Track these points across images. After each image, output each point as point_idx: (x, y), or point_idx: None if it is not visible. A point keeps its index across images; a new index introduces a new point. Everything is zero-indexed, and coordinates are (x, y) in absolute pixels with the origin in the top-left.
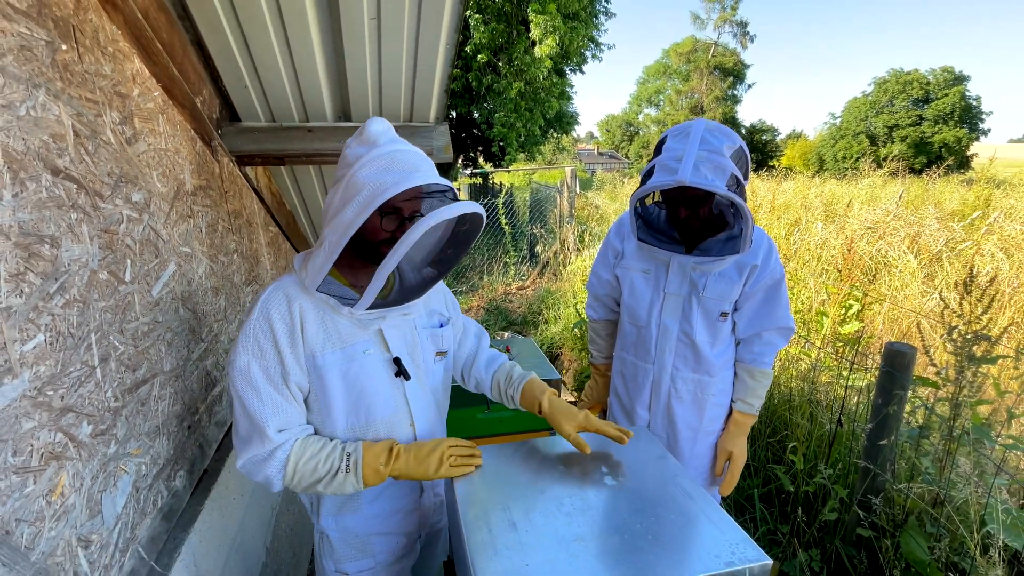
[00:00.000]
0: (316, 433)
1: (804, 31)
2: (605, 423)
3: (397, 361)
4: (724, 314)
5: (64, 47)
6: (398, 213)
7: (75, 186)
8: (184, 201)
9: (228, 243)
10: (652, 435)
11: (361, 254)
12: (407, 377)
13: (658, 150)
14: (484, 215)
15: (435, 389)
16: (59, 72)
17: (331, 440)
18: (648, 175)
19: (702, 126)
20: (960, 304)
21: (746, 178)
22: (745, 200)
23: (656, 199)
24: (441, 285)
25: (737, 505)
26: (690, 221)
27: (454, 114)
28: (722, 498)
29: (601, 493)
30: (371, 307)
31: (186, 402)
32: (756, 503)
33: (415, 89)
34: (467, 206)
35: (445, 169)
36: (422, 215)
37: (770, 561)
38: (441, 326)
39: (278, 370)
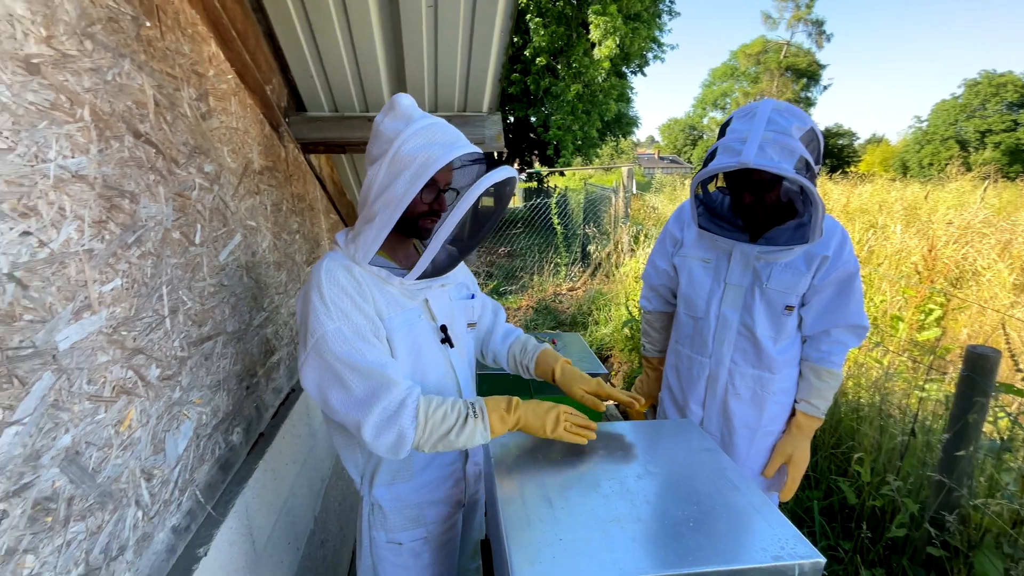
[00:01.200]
0: None
1: (886, 29)
2: (617, 390)
3: (443, 328)
4: (789, 308)
5: (148, 24)
6: (434, 185)
7: (154, 150)
8: (251, 178)
9: (291, 223)
10: (701, 429)
11: (401, 228)
12: (452, 344)
13: (722, 132)
14: (516, 179)
15: (469, 358)
16: (143, 46)
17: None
18: (710, 158)
19: (770, 106)
20: None
21: (818, 163)
22: (816, 185)
23: (719, 184)
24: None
25: (794, 517)
26: (755, 208)
27: (511, 118)
28: (779, 505)
29: (642, 479)
30: (420, 277)
31: (246, 364)
32: (815, 515)
33: (469, 79)
34: (508, 170)
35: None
36: (453, 188)
37: (823, 559)
38: (471, 297)
39: (368, 327)
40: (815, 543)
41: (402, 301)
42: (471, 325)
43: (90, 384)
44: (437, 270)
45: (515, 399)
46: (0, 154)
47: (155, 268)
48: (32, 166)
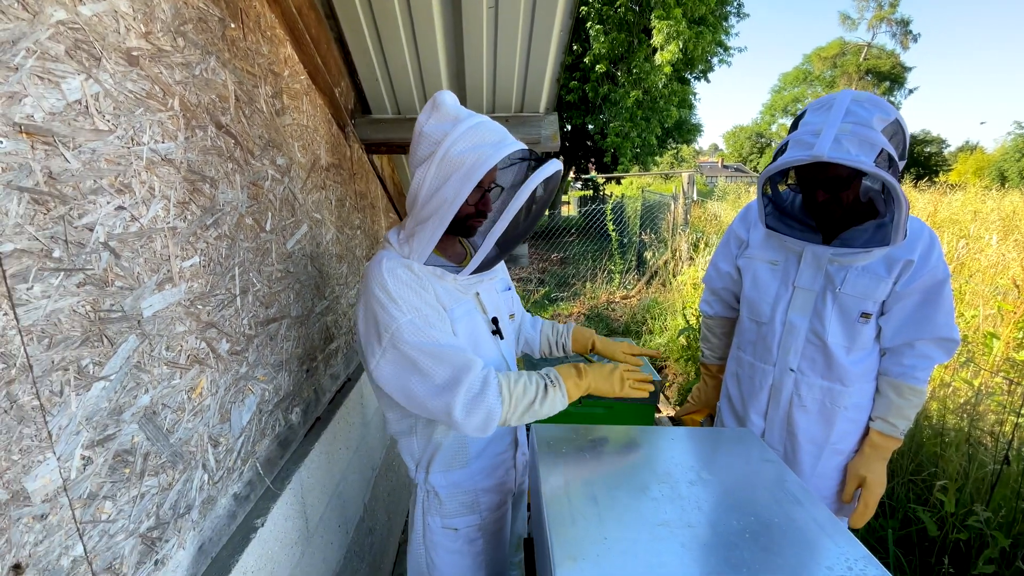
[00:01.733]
0: None
1: (981, 27)
2: (647, 348)
3: (495, 321)
4: (866, 315)
5: (232, 25)
6: (479, 186)
7: (233, 141)
8: (319, 173)
9: (353, 219)
10: (761, 440)
11: (451, 229)
12: (502, 336)
13: (795, 125)
14: (561, 171)
15: (514, 349)
16: (227, 45)
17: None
18: (780, 152)
19: (848, 96)
20: None
21: (903, 158)
22: (900, 182)
23: (791, 181)
24: None
25: (866, 545)
26: (831, 207)
27: (568, 126)
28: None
29: (695, 486)
30: (474, 271)
31: (307, 348)
32: (890, 546)
33: (527, 79)
34: (556, 164)
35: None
36: (498, 186)
37: None
38: (509, 289)
39: (435, 316)
40: None
41: (458, 295)
42: (512, 316)
43: (168, 351)
44: (486, 264)
45: (582, 365)
46: (102, 135)
47: (229, 250)
48: (128, 148)
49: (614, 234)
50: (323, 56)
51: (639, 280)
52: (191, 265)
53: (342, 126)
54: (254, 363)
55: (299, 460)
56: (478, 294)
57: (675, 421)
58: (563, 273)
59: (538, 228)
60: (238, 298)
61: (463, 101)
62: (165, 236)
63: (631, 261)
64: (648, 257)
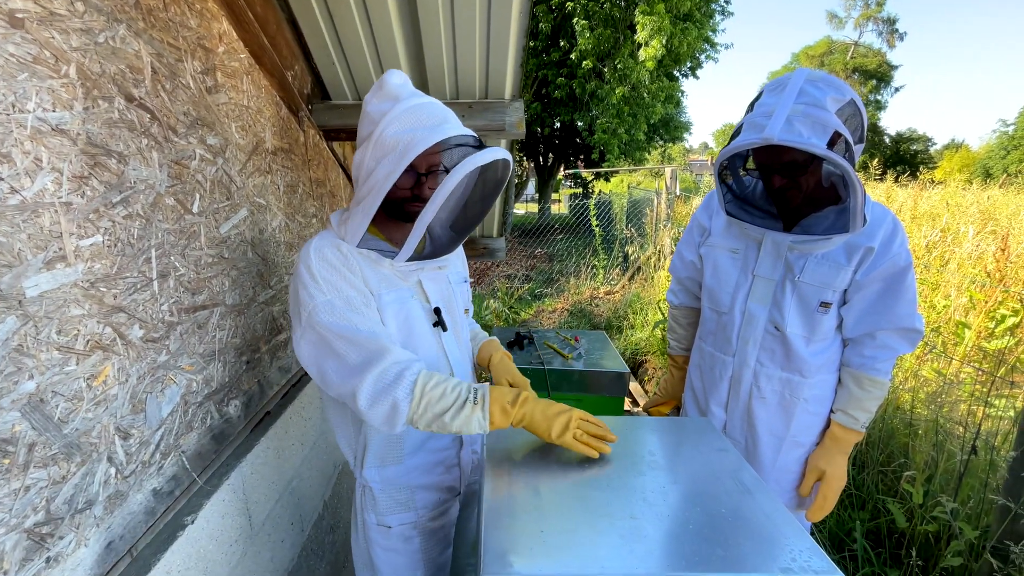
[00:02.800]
0: None
1: (967, 26)
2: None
3: (437, 311)
4: (825, 304)
5: None
6: (413, 170)
7: (148, 115)
8: (262, 157)
9: (307, 207)
10: (719, 430)
11: (390, 211)
12: (444, 328)
13: (751, 107)
14: (511, 162)
15: (466, 344)
16: (142, 14)
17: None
18: (735, 136)
19: (803, 76)
20: None
21: (860, 141)
22: (855, 166)
23: (751, 167)
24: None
25: (834, 539)
26: (788, 192)
27: (557, 123)
28: (813, 528)
29: (643, 475)
30: (410, 259)
31: (247, 338)
32: (859, 539)
33: (489, 64)
34: (496, 152)
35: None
36: (445, 169)
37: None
38: (465, 282)
39: (358, 299)
40: (856, 569)
41: (395, 280)
42: (466, 311)
43: (59, 335)
44: (436, 252)
45: (526, 393)
46: None
47: (143, 230)
48: (8, 115)
49: (597, 230)
50: (271, 37)
51: (623, 276)
52: (91, 244)
53: (295, 110)
54: (176, 352)
55: (241, 455)
56: (420, 282)
57: (646, 411)
58: (549, 269)
59: (526, 225)
60: (155, 282)
61: (424, 87)
62: (55, 211)
63: (617, 257)
64: (631, 252)
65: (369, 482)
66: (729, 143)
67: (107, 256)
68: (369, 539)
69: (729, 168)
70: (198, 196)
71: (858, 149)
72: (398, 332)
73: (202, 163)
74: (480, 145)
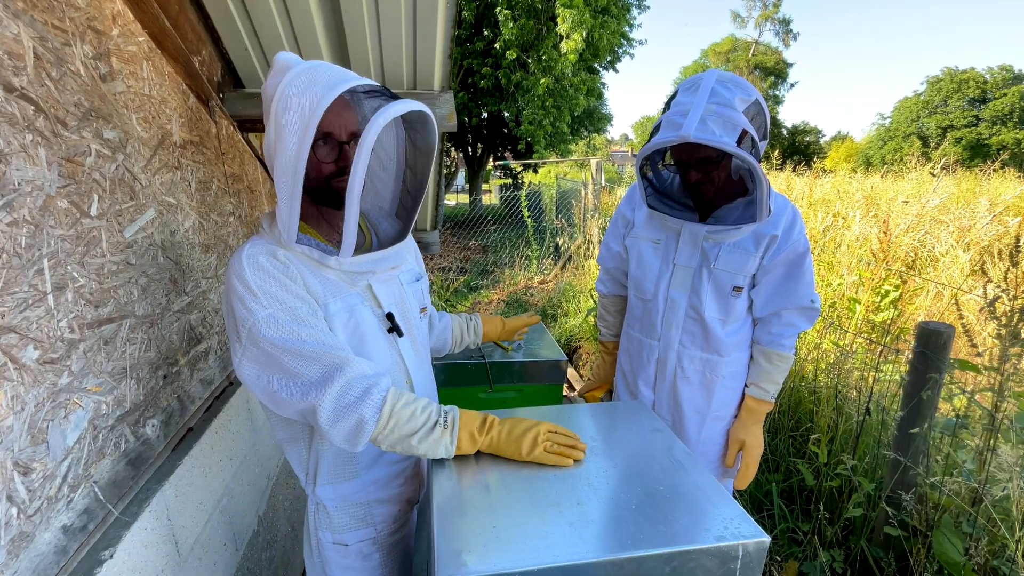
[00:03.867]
0: None
1: (852, 28)
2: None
3: (390, 317)
4: (737, 288)
5: None
6: (331, 138)
7: (32, 107)
8: (170, 151)
9: (223, 204)
10: (652, 411)
11: (320, 198)
12: (400, 333)
13: (667, 105)
14: (432, 118)
15: (424, 346)
16: None
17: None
18: (654, 133)
19: (713, 77)
20: (1005, 276)
21: (764, 138)
22: (760, 161)
23: (669, 162)
24: (410, 238)
25: (754, 501)
26: (703, 187)
27: (485, 114)
28: (737, 492)
29: (587, 461)
30: (358, 253)
31: (162, 351)
32: (775, 499)
33: (416, 53)
34: (414, 104)
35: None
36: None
37: (767, 538)
38: (418, 280)
39: (304, 308)
40: (774, 526)
41: (341, 287)
42: (423, 310)
43: None
44: (382, 243)
45: (492, 418)
46: None
47: (32, 239)
48: None
49: (530, 221)
50: (172, 18)
51: (555, 265)
52: None
53: (204, 99)
54: (80, 372)
55: (162, 479)
56: (370, 286)
57: (581, 396)
58: (484, 261)
59: (459, 216)
60: (50, 296)
61: None
62: None
63: (548, 247)
64: (562, 243)
65: (323, 500)
66: (649, 140)
67: None
68: (325, 558)
69: (649, 163)
70: (96, 197)
71: (762, 145)
72: (348, 342)
73: (99, 160)
74: (389, 95)
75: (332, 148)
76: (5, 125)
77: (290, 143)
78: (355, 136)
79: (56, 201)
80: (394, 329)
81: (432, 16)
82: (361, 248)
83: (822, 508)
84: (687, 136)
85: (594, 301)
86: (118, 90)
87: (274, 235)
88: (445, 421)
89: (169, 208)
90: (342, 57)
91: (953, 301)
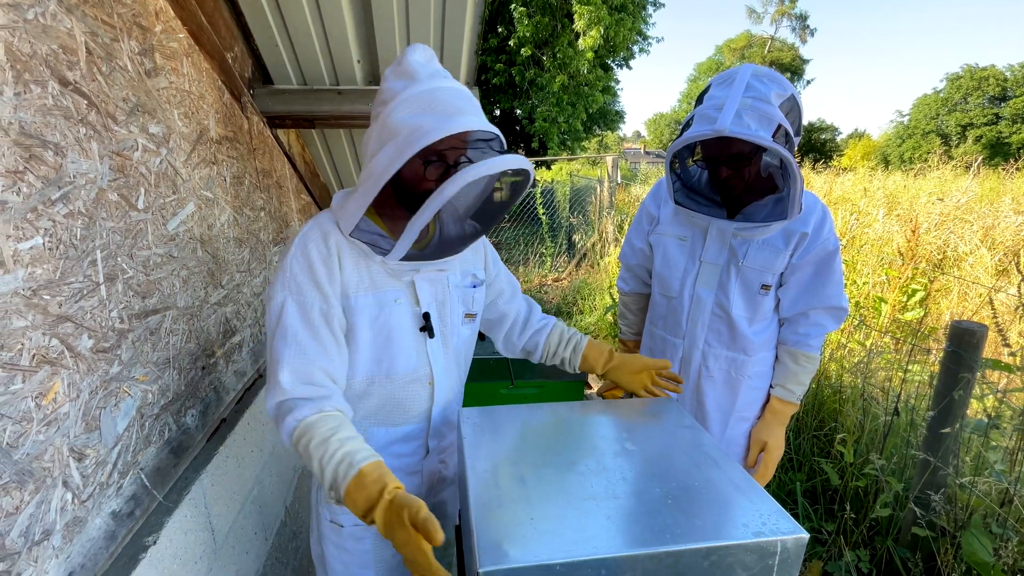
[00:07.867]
0: None
1: (869, 24)
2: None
3: (426, 316)
4: (766, 287)
5: None
6: (442, 160)
7: (85, 102)
8: (207, 147)
9: (255, 199)
10: (680, 407)
11: (402, 200)
12: (431, 334)
13: (700, 99)
14: (532, 170)
15: (458, 351)
16: None
17: (348, 435)
18: (687, 127)
19: (749, 71)
20: None
21: (798, 134)
22: (795, 157)
23: (697, 158)
24: (483, 243)
25: (777, 500)
26: (732, 182)
27: (497, 111)
28: None
29: (619, 457)
30: (405, 259)
31: (201, 343)
32: (798, 498)
33: (444, 49)
34: (512, 160)
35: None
36: (468, 160)
37: (806, 535)
38: (474, 287)
39: (316, 307)
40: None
41: (380, 280)
42: (469, 316)
43: (3, 350)
44: (440, 250)
45: (390, 493)
46: None
47: (87, 230)
48: None
49: (544, 218)
50: (208, 14)
51: (569, 262)
52: (31, 247)
53: (237, 95)
54: (129, 361)
55: (200, 467)
56: (413, 282)
57: (600, 394)
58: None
59: None
60: (103, 287)
61: (376, 71)
62: None
63: (562, 244)
64: (577, 240)
65: None
66: (680, 135)
67: (49, 260)
68: (322, 534)
69: (678, 159)
70: (143, 190)
71: (796, 141)
72: (373, 338)
73: (145, 154)
74: (498, 146)
75: (437, 168)
76: (61, 118)
77: (385, 154)
78: (455, 156)
79: (107, 194)
80: (426, 329)
81: (461, 13)
82: (419, 243)
83: (848, 509)
84: (722, 130)
85: (612, 299)
86: (161, 86)
87: (339, 216)
88: (340, 477)
89: (207, 202)
90: (370, 51)
91: (984, 300)
